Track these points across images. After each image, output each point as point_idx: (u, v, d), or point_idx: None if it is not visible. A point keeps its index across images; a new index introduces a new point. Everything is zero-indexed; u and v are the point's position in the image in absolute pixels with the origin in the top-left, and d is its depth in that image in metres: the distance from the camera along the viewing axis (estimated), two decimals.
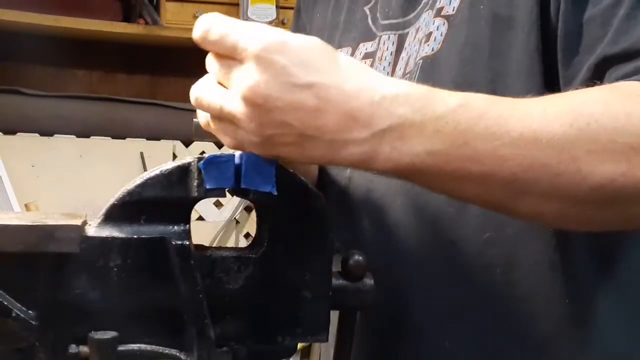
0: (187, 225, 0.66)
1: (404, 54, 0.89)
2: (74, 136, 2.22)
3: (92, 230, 0.65)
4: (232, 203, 2.33)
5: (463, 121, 0.62)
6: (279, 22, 2.37)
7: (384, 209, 0.86)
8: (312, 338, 0.70)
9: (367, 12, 0.97)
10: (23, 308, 0.63)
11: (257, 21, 2.33)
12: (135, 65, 2.49)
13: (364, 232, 0.88)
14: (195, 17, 2.30)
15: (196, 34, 0.64)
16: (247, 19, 2.34)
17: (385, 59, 0.90)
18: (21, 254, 0.62)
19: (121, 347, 0.64)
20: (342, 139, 0.61)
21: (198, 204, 0.68)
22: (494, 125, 0.62)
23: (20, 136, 2.17)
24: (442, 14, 0.84)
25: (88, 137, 2.23)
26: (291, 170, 0.68)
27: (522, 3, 0.78)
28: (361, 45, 0.96)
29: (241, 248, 0.70)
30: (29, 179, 2.15)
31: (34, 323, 0.63)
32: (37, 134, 2.19)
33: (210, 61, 0.65)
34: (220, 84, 0.65)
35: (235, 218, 2.36)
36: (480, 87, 0.76)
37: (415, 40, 0.88)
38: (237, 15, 2.37)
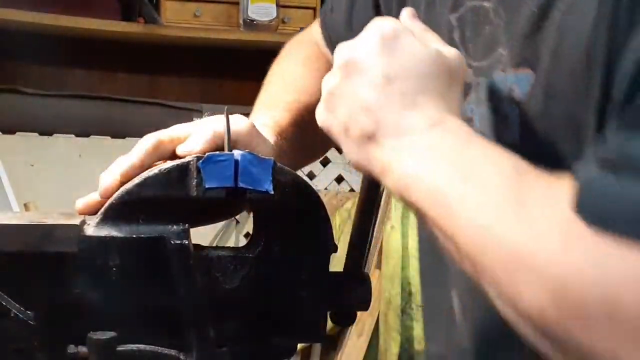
0: (186, 225, 0.66)
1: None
2: (73, 135, 2.22)
3: (90, 230, 0.64)
4: None
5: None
6: (280, 21, 2.37)
7: None
8: (309, 339, 0.70)
9: (455, 23, 0.80)
10: (21, 308, 0.63)
11: (258, 20, 2.33)
12: (134, 64, 2.48)
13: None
14: (195, 16, 2.34)
15: None
16: (247, 17, 2.33)
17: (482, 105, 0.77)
18: (20, 253, 0.62)
19: (120, 348, 0.64)
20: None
21: None
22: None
23: (19, 135, 2.17)
24: (512, 95, 0.72)
25: (87, 136, 2.23)
26: (289, 169, 0.68)
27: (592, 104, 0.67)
28: None
29: (238, 247, 0.70)
30: (27, 178, 2.15)
31: (32, 323, 0.63)
32: (36, 133, 2.19)
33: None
34: None
35: (235, 218, 2.36)
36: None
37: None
38: (237, 14, 2.37)
